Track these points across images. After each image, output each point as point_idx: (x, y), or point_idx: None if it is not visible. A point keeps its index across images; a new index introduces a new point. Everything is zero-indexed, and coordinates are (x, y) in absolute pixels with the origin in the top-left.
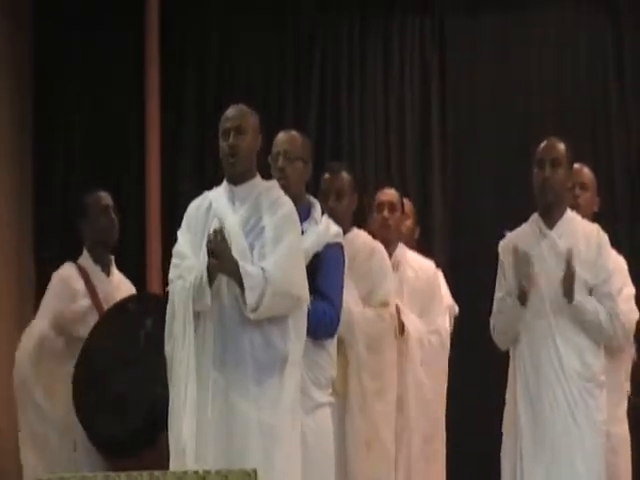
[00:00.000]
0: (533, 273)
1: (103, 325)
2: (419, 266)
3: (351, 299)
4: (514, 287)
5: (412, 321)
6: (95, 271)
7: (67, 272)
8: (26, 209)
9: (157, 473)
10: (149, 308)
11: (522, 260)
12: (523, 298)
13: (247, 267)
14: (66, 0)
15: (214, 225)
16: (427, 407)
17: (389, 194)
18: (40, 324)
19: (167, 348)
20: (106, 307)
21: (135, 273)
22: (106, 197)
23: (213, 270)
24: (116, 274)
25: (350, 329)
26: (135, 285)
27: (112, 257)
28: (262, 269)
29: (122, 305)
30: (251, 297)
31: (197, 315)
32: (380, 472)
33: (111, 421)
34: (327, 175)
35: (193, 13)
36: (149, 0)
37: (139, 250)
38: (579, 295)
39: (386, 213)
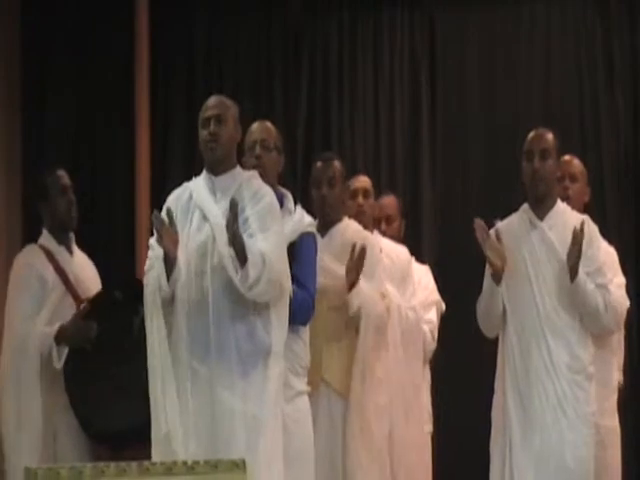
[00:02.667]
0: (503, 250)
1: (91, 317)
2: (394, 253)
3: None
4: (526, 277)
5: (390, 291)
6: (60, 252)
7: (33, 256)
8: (15, 196)
9: (146, 463)
10: (139, 295)
11: (492, 238)
12: (497, 277)
13: (250, 245)
14: None
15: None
16: (403, 387)
17: (362, 181)
18: (40, 331)
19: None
20: (76, 288)
21: (124, 261)
22: (64, 177)
23: (230, 243)
24: (77, 252)
25: (365, 305)
26: (125, 274)
27: (72, 235)
28: (261, 252)
29: (109, 294)
30: (253, 273)
31: (183, 305)
32: (373, 463)
33: (111, 414)
34: (319, 164)
35: (181, 9)
36: (138, 7)
37: (129, 238)
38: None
39: (360, 199)
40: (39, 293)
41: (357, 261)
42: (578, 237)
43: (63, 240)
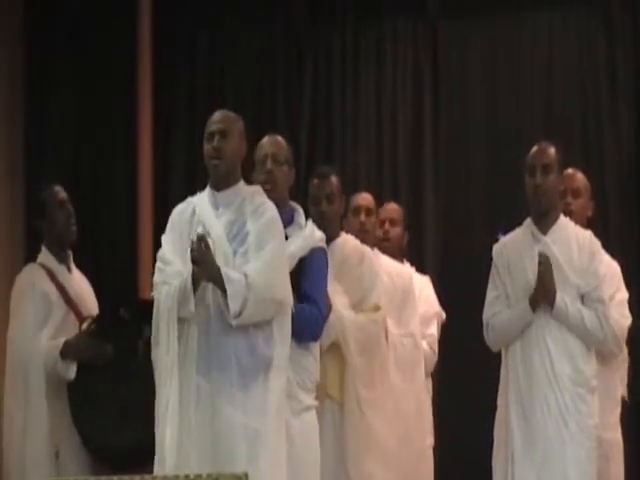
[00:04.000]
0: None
1: (96, 336)
2: (394, 271)
3: (341, 305)
4: (529, 292)
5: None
6: (60, 270)
7: (35, 275)
8: (18, 201)
9: (148, 477)
10: (144, 315)
11: (546, 268)
12: (536, 304)
13: (230, 273)
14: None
15: (197, 231)
16: (398, 408)
17: (366, 198)
18: (45, 344)
19: (153, 354)
20: (79, 306)
21: (126, 275)
22: (61, 191)
23: (196, 277)
24: (74, 270)
25: (342, 334)
26: (127, 288)
27: (70, 253)
28: (245, 275)
29: (114, 312)
30: (234, 304)
31: (182, 321)
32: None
33: (113, 433)
34: (316, 180)
35: (184, 9)
36: (141, 13)
37: (131, 253)
38: (564, 299)
39: (363, 217)
40: (43, 310)
41: None
42: (545, 266)
43: (63, 258)
